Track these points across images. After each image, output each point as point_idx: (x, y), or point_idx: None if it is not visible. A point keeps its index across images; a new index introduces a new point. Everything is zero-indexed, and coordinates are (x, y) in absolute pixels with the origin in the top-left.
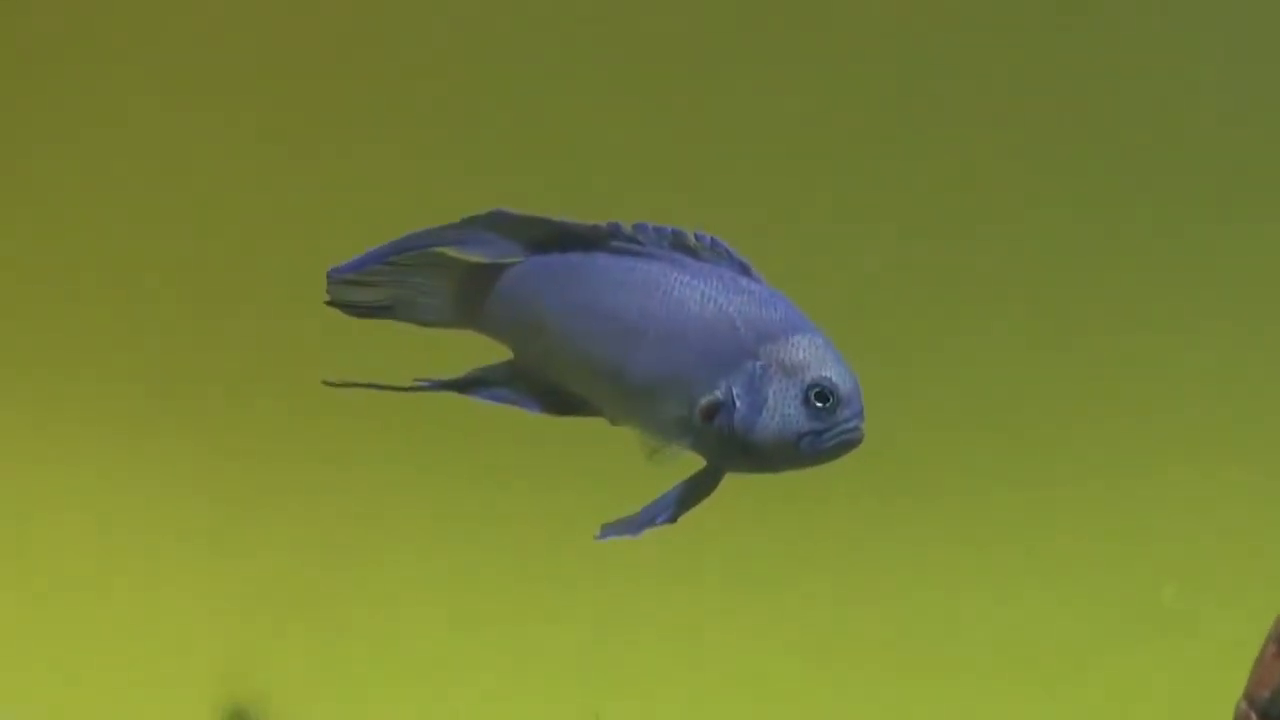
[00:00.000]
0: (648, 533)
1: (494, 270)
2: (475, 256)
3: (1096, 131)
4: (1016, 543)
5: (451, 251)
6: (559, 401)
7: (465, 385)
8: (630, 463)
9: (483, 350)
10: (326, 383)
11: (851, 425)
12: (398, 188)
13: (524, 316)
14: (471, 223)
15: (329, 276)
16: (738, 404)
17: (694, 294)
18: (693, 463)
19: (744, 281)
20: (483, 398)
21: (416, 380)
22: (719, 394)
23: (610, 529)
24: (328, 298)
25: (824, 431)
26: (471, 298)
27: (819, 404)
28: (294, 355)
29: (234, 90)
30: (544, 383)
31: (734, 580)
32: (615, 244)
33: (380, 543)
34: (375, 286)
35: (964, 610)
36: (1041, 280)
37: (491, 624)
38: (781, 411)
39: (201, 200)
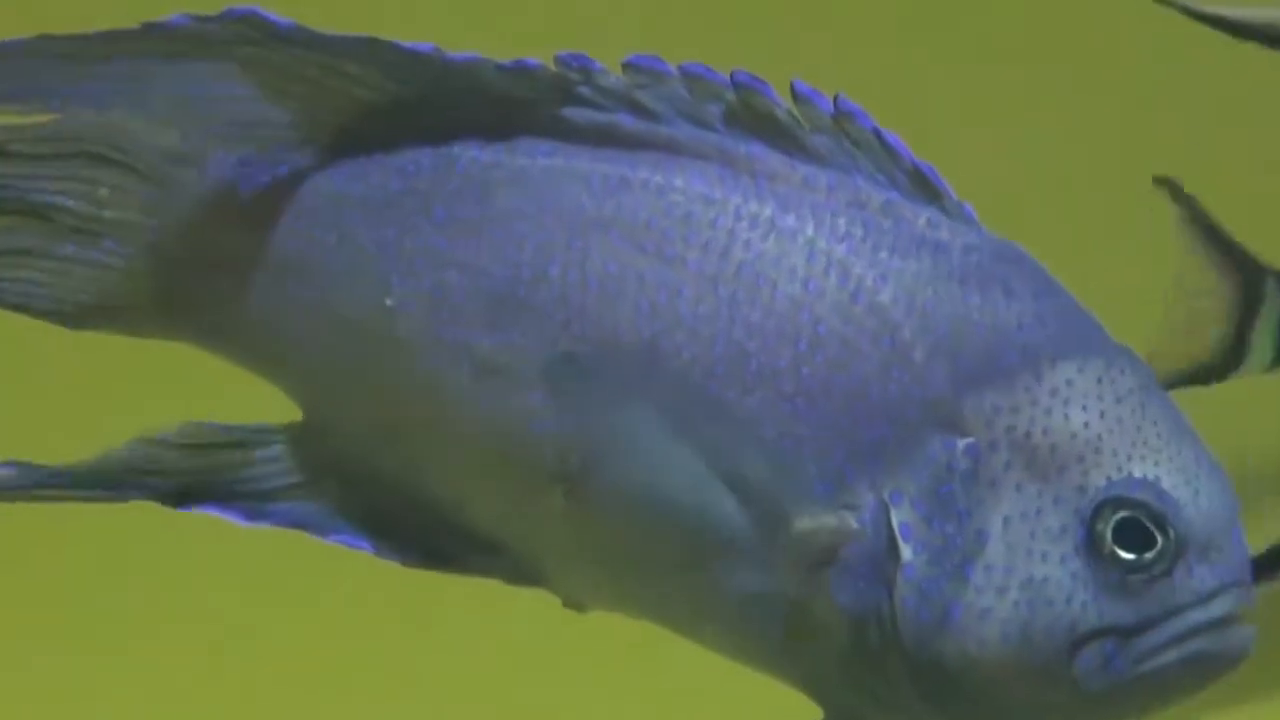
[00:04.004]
0: None
1: (255, 183)
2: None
3: None
4: None
5: (142, 133)
6: (422, 535)
7: (161, 493)
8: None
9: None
10: None
11: (1214, 614)
12: None
13: (330, 308)
14: (168, 36)
15: None
16: (905, 549)
17: (793, 251)
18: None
19: (922, 218)
20: (224, 515)
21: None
22: (853, 519)
23: None
24: None
25: (1142, 631)
26: (194, 256)
27: (1129, 555)
28: None
29: None
30: (383, 488)
31: None
32: (580, 115)
33: None
34: None
35: None
36: None
37: None
38: (1025, 573)
39: None
